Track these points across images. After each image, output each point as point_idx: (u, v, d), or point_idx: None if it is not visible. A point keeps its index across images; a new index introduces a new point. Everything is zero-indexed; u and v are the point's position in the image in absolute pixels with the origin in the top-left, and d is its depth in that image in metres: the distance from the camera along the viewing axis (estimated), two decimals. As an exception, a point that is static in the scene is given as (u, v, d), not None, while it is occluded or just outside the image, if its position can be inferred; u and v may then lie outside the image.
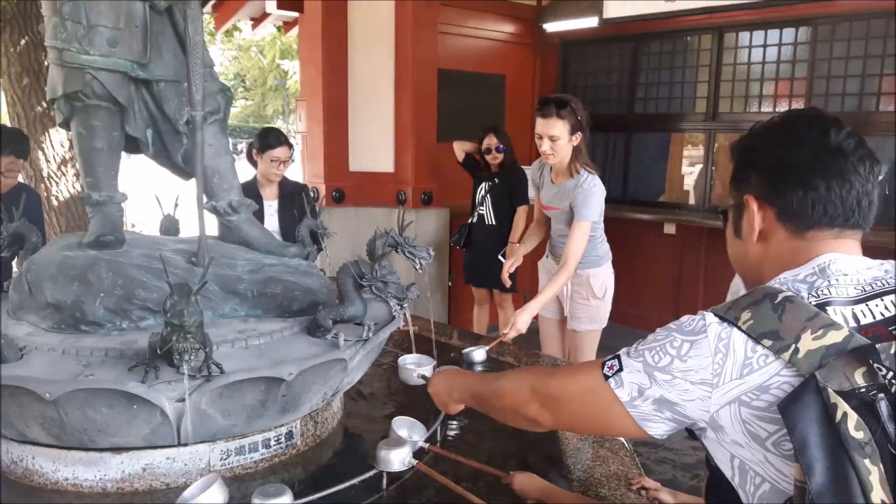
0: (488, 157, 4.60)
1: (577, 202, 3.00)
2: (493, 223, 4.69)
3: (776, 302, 0.93)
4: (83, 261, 1.85)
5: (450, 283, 5.50)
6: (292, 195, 3.78)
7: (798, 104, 5.13)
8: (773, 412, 0.88)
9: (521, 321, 2.87)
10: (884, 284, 0.96)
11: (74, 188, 7.05)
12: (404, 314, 1.92)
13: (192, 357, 1.43)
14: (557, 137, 2.96)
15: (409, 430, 1.76)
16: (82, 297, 1.79)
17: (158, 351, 1.45)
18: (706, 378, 0.93)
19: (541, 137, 3.00)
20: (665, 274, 5.81)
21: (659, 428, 1.00)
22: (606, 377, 1.02)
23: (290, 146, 3.69)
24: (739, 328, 0.93)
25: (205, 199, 2.04)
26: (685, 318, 1.01)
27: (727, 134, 5.57)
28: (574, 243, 3.00)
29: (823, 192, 1.01)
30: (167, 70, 1.99)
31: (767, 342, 0.90)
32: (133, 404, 1.51)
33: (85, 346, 1.69)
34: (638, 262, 5.78)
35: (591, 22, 5.60)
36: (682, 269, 5.73)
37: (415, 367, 2.14)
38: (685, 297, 5.71)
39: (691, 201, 5.89)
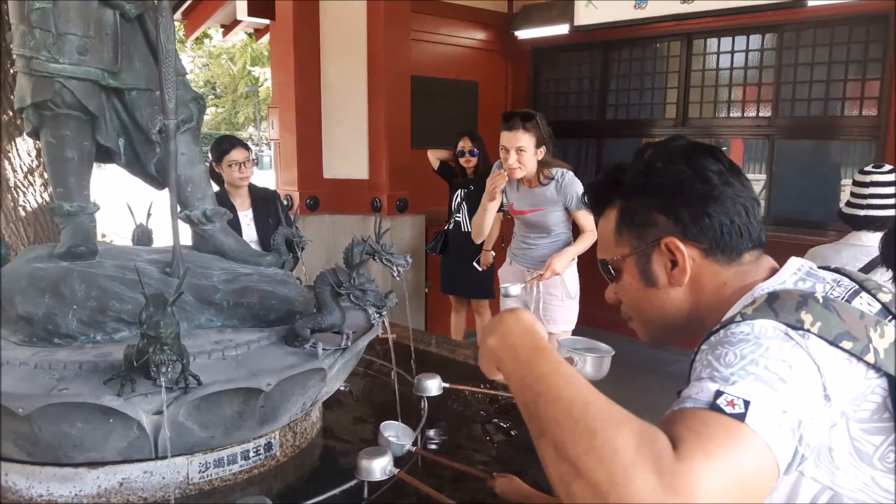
0: (462, 161, 4.64)
1: (571, 196, 3.15)
2: (469, 230, 4.71)
3: (822, 302, 0.87)
4: (55, 272, 1.82)
5: (426, 290, 5.49)
6: (265, 202, 3.76)
7: (766, 109, 5.22)
8: (877, 421, 0.82)
9: (559, 263, 3.07)
10: (849, 284, 0.97)
11: (42, 198, 6.91)
12: (383, 322, 1.91)
13: (168, 369, 1.41)
14: (524, 149, 3.02)
15: (396, 433, 1.76)
16: (54, 310, 1.76)
17: (135, 363, 1.43)
18: (820, 389, 0.80)
19: (507, 150, 3.06)
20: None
21: (783, 469, 0.76)
22: (738, 417, 0.73)
23: (247, 148, 3.66)
24: (811, 332, 0.83)
25: (178, 209, 2.02)
26: (745, 325, 0.86)
27: (697, 139, 5.65)
28: (590, 220, 3.16)
29: (745, 216, 1.01)
30: (139, 78, 1.97)
31: (847, 344, 0.83)
32: (109, 418, 1.48)
33: (58, 360, 1.66)
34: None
35: (561, 29, 5.66)
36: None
37: None
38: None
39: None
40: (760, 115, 5.27)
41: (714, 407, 0.75)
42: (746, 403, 0.74)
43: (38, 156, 6.99)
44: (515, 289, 3.05)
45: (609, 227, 1.11)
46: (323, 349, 1.79)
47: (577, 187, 3.13)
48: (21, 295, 1.79)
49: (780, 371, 0.78)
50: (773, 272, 1.00)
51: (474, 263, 4.53)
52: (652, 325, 1.11)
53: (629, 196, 1.07)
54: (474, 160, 4.62)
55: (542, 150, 3.09)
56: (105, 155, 2.06)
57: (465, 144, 4.61)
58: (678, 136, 1.10)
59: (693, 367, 0.89)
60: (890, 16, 4.43)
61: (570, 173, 3.16)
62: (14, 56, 1.87)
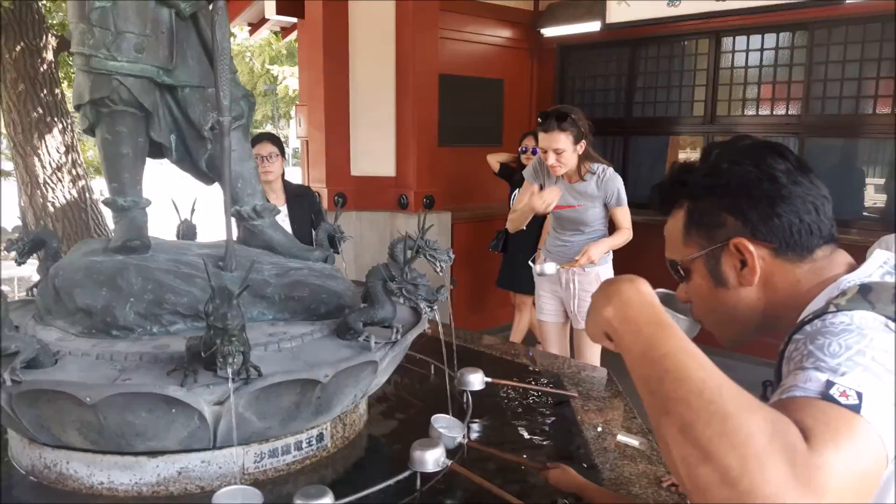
0: (523, 157, 4.77)
1: (612, 192, 3.20)
2: (524, 228, 4.77)
3: None
4: (111, 266, 1.86)
5: (451, 287, 5.52)
6: (300, 198, 3.80)
7: (795, 107, 5.19)
8: None
9: (595, 251, 3.11)
10: None
11: (71, 194, 7.04)
12: (434, 317, 1.93)
13: (235, 360, 1.44)
14: (562, 150, 3.04)
15: (447, 426, 1.78)
16: (112, 302, 1.80)
17: (203, 354, 1.46)
18: None
19: (545, 151, 3.08)
20: (664, 275, 5.84)
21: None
22: (854, 409, 0.72)
23: (276, 144, 3.67)
24: None
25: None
26: (844, 316, 0.85)
27: (725, 137, 5.64)
28: (626, 217, 3.24)
29: (815, 213, 1.01)
30: (192, 76, 2.00)
31: None
32: (172, 408, 1.52)
33: (118, 351, 1.70)
34: (639, 263, 5.83)
35: (588, 27, 5.66)
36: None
37: None
38: (685, 299, 5.75)
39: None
40: (790, 113, 5.24)
41: (827, 397, 0.74)
42: (860, 395, 0.73)
43: (67, 153, 7.12)
44: (550, 267, 3.08)
45: (677, 228, 1.12)
46: (375, 342, 1.81)
47: (618, 183, 3.16)
48: (79, 288, 1.83)
49: (887, 362, 0.78)
50: (851, 266, 1.01)
51: (529, 262, 4.59)
52: (725, 325, 1.12)
53: (697, 197, 1.08)
54: (534, 158, 4.70)
55: (582, 144, 3.11)
56: (157, 151, 2.09)
57: (528, 143, 4.74)
58: (744, 135, 1.11)
59: (786, 358, 0.89)
60: (924, 13, 4.40)
61: (611, 169, 3.20)
62: (73, 54, 1.91)
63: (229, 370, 1.44)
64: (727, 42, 5.51)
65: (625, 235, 3.22)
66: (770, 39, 5.28)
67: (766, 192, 1.01)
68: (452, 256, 2.12)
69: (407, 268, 1.83)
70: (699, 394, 0.72)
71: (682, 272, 1.13)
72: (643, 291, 0.91)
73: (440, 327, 2.00)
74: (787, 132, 5.30)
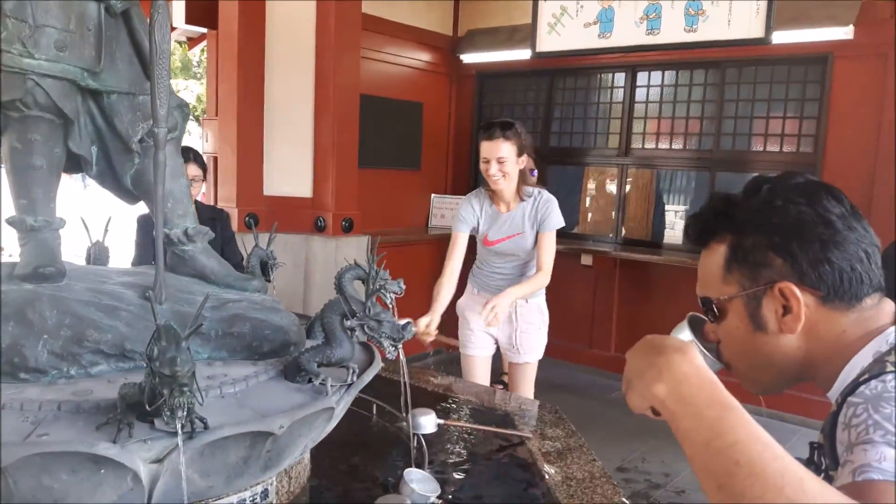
0: None
1: (545, 215, 3.04)
2: None
3: None
4: (20, 296, 1.59)
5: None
6: (212, 221, 3.55)
7: (707, 142, 5.37)
8: None
9: (502, 306, 2.88)
10: None
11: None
12: (398, 354, 1.76)
13: (184, 413, 1.22)
14: (505, 159, 2.95)
15: (420, 484, 1.62)
16: (21, 340, 1.53)
17: (148, 407, 1.23)
18: None
19: (488, 161, 2.98)
20: (581, 303, 5.89)
21: None
22: None
23: (200, 164, 3.44)
24: None
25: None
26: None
27: (639, 169, 5.75)
28: (550, 252, 3.05)
29: (866, 261, 0.97)
30: (121, 81, 1.76)
31: None
32: (100, 468, 1.27)
33: (30, 399, 1.43)
34: (556, 291, 5.84)
35: (507, 55, 5.67)
36: (596, 299, 5.82)
37: None
38: (599, 326, 5.80)
39: (609, 234, 6.01)
40: (702, 147, 5.41)
41: None
42: None
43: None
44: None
45: (716, 263, 1.03)
46: (331, 385, 1.62)
47: (555, 205, 3.06)
48: (-21, 322, 1.55)
49: None
50: None
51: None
52: (758, 372, 1.04)
53: (743, 232, 1.00)
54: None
55: (524, 158, 3.03)
56: (73, 164, 1.83)
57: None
58: (795, 171, 1.03)
59: (843, 424, 0.82)
60: (828, 58, 4.64)
61: (546, 192, 3.12)
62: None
63: (178, 424, 1.23)
64: (643, 76, 5.64)
65: (542, 280, 3.08)
66: (684, 76, 5.46)
67: (820, 236, 0.95)
68: (403, 287, 1.96)
69: (369, 302, 1.66)
70: (779, 491, 0.66)
71: (716, 311, 1.04)
72: (698, 365, 0.82)
73: (404, 367, 1.83)
74: (699, 166, 5.48)
